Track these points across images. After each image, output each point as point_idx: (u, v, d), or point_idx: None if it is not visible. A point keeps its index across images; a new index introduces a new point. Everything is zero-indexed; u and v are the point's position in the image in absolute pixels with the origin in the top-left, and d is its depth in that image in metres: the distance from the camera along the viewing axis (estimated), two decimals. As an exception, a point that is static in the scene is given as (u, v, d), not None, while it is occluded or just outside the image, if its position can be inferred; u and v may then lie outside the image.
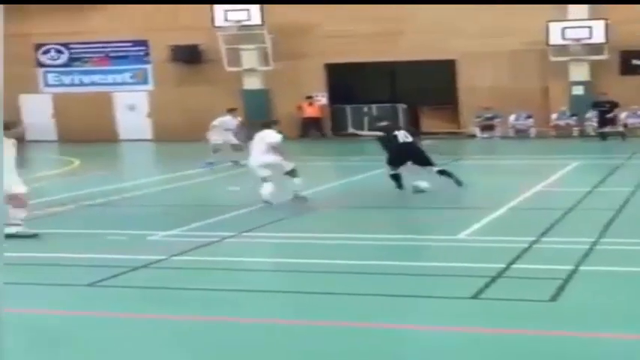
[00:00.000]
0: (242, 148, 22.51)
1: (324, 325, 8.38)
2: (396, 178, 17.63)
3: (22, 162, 14.73)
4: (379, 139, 18.19)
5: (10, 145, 13.64)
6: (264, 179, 16.21)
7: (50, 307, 9.35)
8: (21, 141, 14.18)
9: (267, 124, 17.02)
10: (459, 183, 17.53)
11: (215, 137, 23.35)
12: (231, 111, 24.25)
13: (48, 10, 34.46)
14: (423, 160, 17.88)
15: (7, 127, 13.24)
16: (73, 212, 16.17)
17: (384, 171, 19.84)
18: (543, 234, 12.29)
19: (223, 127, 23.43)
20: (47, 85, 35.98)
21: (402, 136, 18.03)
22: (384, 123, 19.06)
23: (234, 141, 23.35)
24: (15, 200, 13.50)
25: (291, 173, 16.53)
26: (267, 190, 16.09)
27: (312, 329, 8.30)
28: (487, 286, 9.45)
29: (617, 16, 28.97)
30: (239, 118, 24.20)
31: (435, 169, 17.83)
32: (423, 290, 9.50)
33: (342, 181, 19.87)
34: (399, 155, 17.72)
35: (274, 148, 16.24)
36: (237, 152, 22.71)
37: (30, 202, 14.86)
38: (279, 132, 16.80)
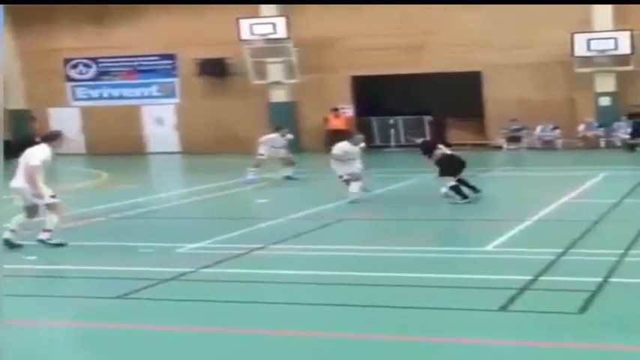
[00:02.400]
0: (294, 162, 22.51)
1: (355, 337, 8.39)
2: (459, 190, 17.54)
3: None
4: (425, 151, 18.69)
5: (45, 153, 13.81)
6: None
7: (79, 319, 9.43)
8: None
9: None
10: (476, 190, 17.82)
11: (261, 151, 22.82)
12: (278, 129, 23.55)
13: (77, 24, 34.81)
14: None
15: (48, 138, 14.12)
16: (102, 225, 16.27)
17: (409, 183, 19.88)
18: (571, 246, 12.25)
19: (270, 145, 22.79)
20: (76, 98, 36.28)
21: (445, 149, 18.53)
22: (421, 139, 19.39)
23: (284, 155, 22.87)
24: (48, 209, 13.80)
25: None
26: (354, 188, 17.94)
27: (342, 342, 8.30)
28: (515, 298, 9.43)
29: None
30: (288, 136, 23.27)
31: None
32: (451, 302, 9.48)
33: (368, 194, 19.82)
34: (455, 168, 17.93)
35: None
36: (289, 166, 22.66)
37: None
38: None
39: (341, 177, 18.58)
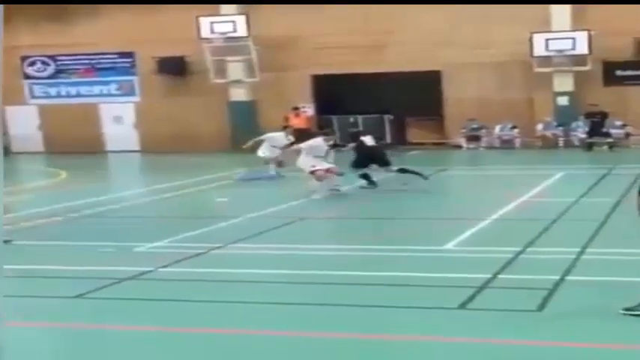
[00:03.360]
0: (284, 165, 22.37)
1: (310, 336, 8.41)
2: (367, 176, 19.70)
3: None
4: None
5: None
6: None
7: (37, 319, 9.34)
8: (6, 153, 14.40)
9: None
10: (423, 177, 19.45)
11: (262, 151, 22.70)
12: (286, 128, 23.67)
13: (34, 22, 34.43)
14: (385, 162, 19.92)
15: None
16: (59, 224, 16.14)
17: (365, 183, 19.95)
18: (529, 244, 12.36)
19: (271, 143, 22.57)
20: (33, 96, 35.91)
21: (369, 140, 20.11)
22: (353, 129, 21.10)
23: (280, 156, 22.56)
24: None
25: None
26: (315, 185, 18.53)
27: (298, 340, 8.33)
28: (474, 296, 9.50)
29: (599, 27, 29.14)
30: (290, 138, 22.82)
31: (395, 168, 19.87)
32: (410, 301, 9.53)
33: (327, 193, 19.83)
34: (366, 158, 19.73)
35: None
36: (281, 168, 22.54)
37: (17, 213, 14.90)
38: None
39: (312, 170, 18.80)
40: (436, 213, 16.43)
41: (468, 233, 13.53)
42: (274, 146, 22.50)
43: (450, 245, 12.58)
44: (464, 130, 31.49)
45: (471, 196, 19.27)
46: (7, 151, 34.98)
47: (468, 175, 24.51)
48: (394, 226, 15.12)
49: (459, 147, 31.39)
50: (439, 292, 9.88)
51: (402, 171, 19.74)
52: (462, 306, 9.14)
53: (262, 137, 23.08)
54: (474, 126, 31.36)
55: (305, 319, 9.03)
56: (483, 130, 31.37)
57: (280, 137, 22.78)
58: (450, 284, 10.09)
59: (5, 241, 13.98)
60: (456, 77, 31.25)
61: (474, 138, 31.47)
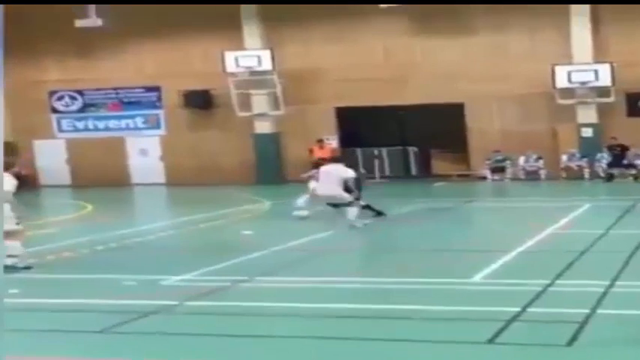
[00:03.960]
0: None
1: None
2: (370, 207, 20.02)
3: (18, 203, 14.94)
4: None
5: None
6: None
7: (61, 353, 9.32)
8: (34, 185, 14.79)
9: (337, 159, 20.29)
10: (384, 215, 20.01)
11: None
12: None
13: (62, 57, 34.83)
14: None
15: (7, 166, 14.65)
16: (85, 257, 16.16)
17: (394, 213, 19.92)
18: (558, 277, 12.24)
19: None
20: (61, 130, 36.19)
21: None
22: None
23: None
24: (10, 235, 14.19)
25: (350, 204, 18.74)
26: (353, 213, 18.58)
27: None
28: (503, 330, 9.39)
29: (621, 59, 29.08)
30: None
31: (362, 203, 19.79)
32: (437, 335, 9.43)
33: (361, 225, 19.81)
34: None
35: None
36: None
37: (43, 246, 14.99)
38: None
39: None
40: (462, 245, 16.33)
41: (494, 265, 13.43)
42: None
43: (476, 278, 12.47)
44: (488, 162, 31.39)
45: (497, 227, 19.17)
46: (34, 184, 35.24)
47: (494, 207, 24.38)
48: (419, 259, 15.03)
49: (484, 178, 31.28)
50: (467, 325, 9.78)
51: (366, 207, 19.88)
52: (491, 340, 9.03)
53: (310, 173, 22.45)
54: (499, 157, 31.27)
55: (328, 354, 8.95)
56: (508, 162, 31.26)
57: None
58: (478, 318, 9.99)
59: (25, 267, 14.26)
60: (478, 109, 31.24)
61: (498, 169, 31.35)
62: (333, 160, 20.35)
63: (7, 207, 14.26)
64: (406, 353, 8.85)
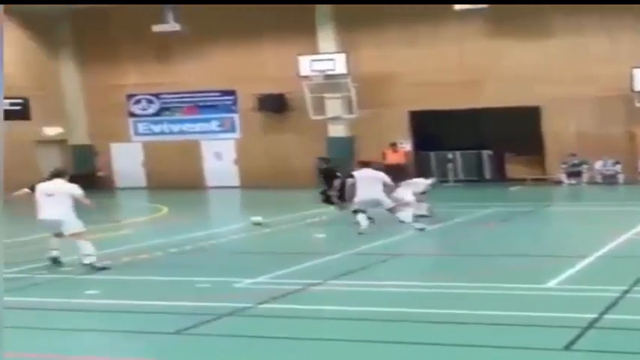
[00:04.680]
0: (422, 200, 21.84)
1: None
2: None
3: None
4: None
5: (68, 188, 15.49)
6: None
7: (137, 355, 9.45)
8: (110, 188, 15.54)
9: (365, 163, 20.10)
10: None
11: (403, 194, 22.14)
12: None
13: (140, 62, 35.44)
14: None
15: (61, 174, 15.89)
16: (160, 259, 16.37)
17: (467, 218, 19.77)
18: (636, 283, 11.98)
19: (413, 188, 21.25)
20: (137, 134, 36.77)
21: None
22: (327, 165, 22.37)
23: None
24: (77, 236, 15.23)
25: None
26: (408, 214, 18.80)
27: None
28: (579, 337, 9.23)
29: None
30: (431, 180, 22.40)
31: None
32: (512, 341, 9.31)
33: (427, 229, 19.69)
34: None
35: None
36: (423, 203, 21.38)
37: (119, 248, 15.23)
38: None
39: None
40: (537, 250, 16.13)
41: (571, 271, 13.22)
42: (415, 192, 21.86)
43: (552, 283, 12.29)
44: (565, 166, 30.96)
45: (573, 232, 18.87)
46: (111, 186, 35.88)
47: (570, 211, 24.02)
48: (494, 263, 14.86)
49: (560, 182, 30.86)
50: (543, 332, 9.63)
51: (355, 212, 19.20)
52: (567, 347, 8.89)
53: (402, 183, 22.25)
54: (575, 161, 30.84)
55: (397, 358, 8.90)
56: (584, 166, 30.79)
57: (421, 183, 21.86)
58: (553, 324, 9.84)
59: (102, 268, 14.62)
60: (554, 112, 30.82)
61: (575, 173, 30.90)
62: (365, 164, 19.97)
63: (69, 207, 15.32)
64: (482, 358, 8.75)
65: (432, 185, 21.75)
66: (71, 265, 15.43)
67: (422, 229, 18.51)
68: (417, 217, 19.42)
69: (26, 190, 15.83)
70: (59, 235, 15.47)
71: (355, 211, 19.00)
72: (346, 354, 9.13)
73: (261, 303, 11.60)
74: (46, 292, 13.44)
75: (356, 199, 19.02)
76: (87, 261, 15.05)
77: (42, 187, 15.49)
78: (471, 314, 10.57)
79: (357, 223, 18.69)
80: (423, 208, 20.75)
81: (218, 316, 10.91)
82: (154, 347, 9.70)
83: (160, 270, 15.07)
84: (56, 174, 15.80)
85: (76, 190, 15.48)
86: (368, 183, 18.94)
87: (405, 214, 19.05)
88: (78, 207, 15.57)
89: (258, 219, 20.57)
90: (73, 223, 15.31)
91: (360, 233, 18.30)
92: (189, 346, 9.76)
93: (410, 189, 20.57)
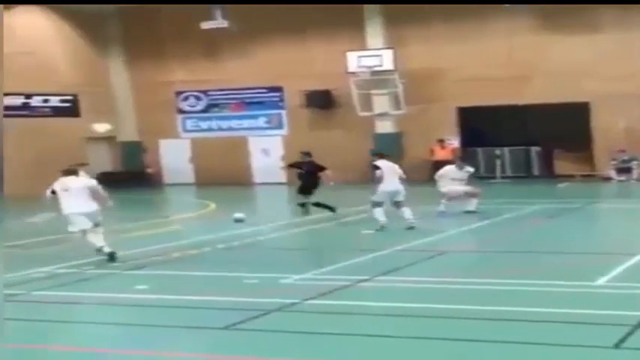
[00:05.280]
0: (476, 194, 21.87)
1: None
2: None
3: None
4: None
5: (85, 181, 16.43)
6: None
7: (186, 350, 9.54)
8: (158, 184, 15.89)
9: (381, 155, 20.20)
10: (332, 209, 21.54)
11: (442, 185, 21.96)
12: (458, 163, 22.82)
13: (188, 59, 35.71)
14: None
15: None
16: (208, 254, 16.50)
17: (514, 214, 19.66)
18: (687, 281, 11.85)
19: (449, 177, 21.91)
20: (186, 130, 37.06)
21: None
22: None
23: (467, 189, 21.86)
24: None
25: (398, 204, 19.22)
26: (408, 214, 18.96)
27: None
28: (629, 335, 9.14)
29: None
30: (468, 169, 22.24)
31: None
32: (562, 338, 9.24)
33: (474, 226, 19.64)
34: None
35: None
36: (473, 199, 21.62)
37: (168, 244, 15.37)
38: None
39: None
40: (586, 247, 16.00)
41: (620, 269, 13.09)
42: (454, 179, 21.86)
43: (601, 281, 12.18)
44: (614, 162, 30.64)
45: (622, 229, 18.67)
46: (159, 182, 36.20)
47: (619, 209, 23.74)
48: (541, 260, 14.75)
49: (609, 179, 30.53)
50: (592, 330, 9.57)
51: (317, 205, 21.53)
52: (617, 345, 8.81)
53: (439, 173, 22.33)
54: (625, 158, 30.50)
55: (450, 356, 8.90)
56: (634, 162, 30.44)
57: (452, 170, 22.13)
58: (603, 322, 9.76)
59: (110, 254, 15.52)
60: (603, 108, 30.52)
61: (624, 170, 30.57)
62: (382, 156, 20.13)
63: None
64: (526, 356, 8.72)
65: (468, 173, 22.03)
66: (119, 260, 15.62)
67: (412, 228, 18.63)
68: (465, 213, 20.32)
69: (49, 194, 16.14)
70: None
71: (374, 205, 19.20)
72: (394, 350, 9.14)
73: (308, 299, 11.64)
74: (95, 287, 13.61)
75: (381, 189, 19.14)
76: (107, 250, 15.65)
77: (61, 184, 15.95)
78: (519, 311, 10.50)
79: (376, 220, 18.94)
80: (473, 204, 21.12)
81: (266, 312, 10.97)
82: (203, 342, 9.79)
83: (209, 265, 15.20)
84: (71, 171, 16.35)
85: (93, 183, 16.32)
86: (392, 173, 19.27)
87: (471, 203, 21.04)
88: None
89: (241, 215, 20.79)
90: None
91: (382, 227, 18.60)
92: (238, 341, 9.84)
93: (446, 180, 21.46)
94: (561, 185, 29.39)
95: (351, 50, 32.30)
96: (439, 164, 32.22)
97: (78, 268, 15.13)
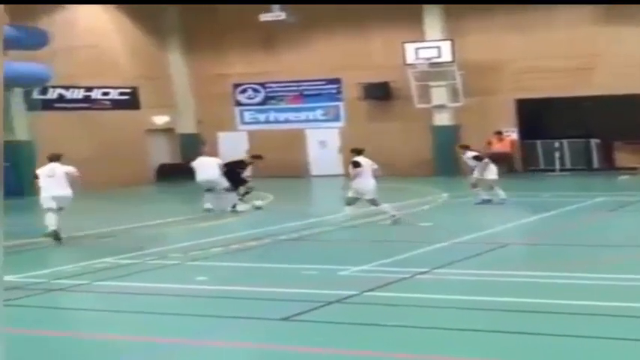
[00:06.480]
0: (493, 185, 22.06)
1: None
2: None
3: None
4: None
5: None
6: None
7: (246, 339, 9.64)
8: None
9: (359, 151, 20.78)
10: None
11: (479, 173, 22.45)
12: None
13: (246, 51, 35.85)
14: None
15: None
16: (267, 246, 16.61)
17: (574, 207, 19.47)
18: None
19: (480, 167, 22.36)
20: (243, 122, 37.25)
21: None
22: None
23: (488, 177, 22.31)
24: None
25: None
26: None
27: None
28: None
29: None
30: (485, 161, 22.62)
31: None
32: (626, 333, 9.11)
33: (533, 218, 19.49)
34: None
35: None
36: (490, 190, 22.04)
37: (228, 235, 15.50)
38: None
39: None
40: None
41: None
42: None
43: (663, 275, 12.02)
44: (677, 155, 30.13)
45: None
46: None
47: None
48: (602, 253, 14.60)
49: (672, 172, 30.04)
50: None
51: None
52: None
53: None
54: (688, 150, 29.99)
55: (507, 349, 8.84)
56: (699, 155, 29.92)
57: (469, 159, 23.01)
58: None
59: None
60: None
61: (687, 163, 30.04)
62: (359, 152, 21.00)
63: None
64: (595, 349, 8.64)
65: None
66: (180, 251, 15.80)
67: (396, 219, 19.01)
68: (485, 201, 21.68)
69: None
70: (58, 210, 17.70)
71: (348, 202, 19.62)
72: (452, 342, 9.13)
73: (367, 291, 11.67)
74: (156, 277, 13.79)
75: (356, 185, 19.68)
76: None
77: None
78: (582, 305, 10.38)
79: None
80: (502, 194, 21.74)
81: (324, 304, 11.01)
82: (262, 333, 9.88)
83: (267, 257, 15.32)
84: (57, 157, 18.34)
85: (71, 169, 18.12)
86: (369, 170, 19.96)
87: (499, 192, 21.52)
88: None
89: (261, 203, 22.88)
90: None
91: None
92: (296, 332, 9.90)
93: (480, 170, 22.22)
94: (622, 178, 28.98)
95: (409, 42, 32.18)
96: (496, 156, 32.04)
97: (140, 259, 15.34)
